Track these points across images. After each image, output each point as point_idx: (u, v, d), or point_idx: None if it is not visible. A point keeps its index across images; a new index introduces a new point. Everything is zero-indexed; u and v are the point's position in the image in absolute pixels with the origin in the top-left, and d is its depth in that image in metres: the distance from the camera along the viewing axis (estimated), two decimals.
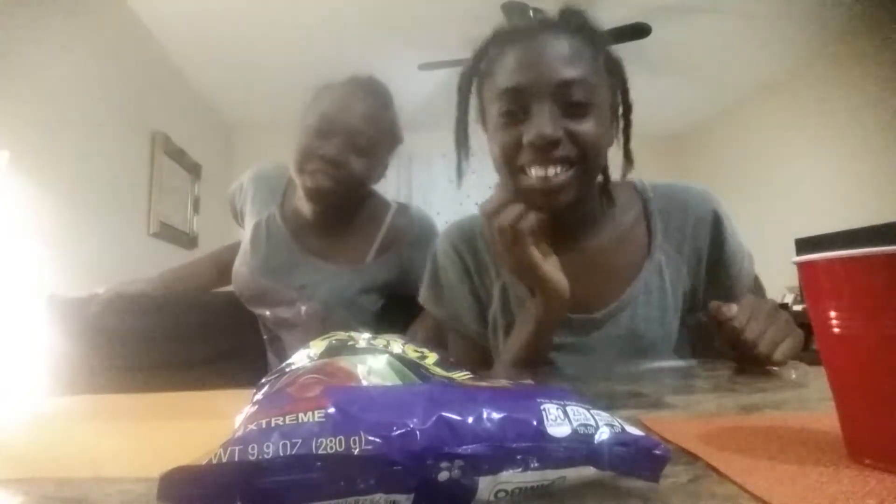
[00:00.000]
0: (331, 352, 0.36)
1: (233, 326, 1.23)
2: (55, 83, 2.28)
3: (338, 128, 1.06)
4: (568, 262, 0.78)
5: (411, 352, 0.38)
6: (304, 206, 1.14)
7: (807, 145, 3.58)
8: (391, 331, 0.45)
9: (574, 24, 0.76)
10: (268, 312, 1.15)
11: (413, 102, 4.18)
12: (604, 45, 0.77)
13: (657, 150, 4.71)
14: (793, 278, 2.92)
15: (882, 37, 3.08)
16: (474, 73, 0.84)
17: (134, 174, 2.99)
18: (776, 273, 0.84)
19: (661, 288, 0.82)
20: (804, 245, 2.72)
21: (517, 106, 0.73)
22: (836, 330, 0.31)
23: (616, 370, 0.79)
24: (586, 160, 0.73)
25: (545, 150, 0.71)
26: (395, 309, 1.16)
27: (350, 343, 0.38)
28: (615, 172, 0.83)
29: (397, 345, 0.39)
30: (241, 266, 1.18)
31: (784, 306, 3.35)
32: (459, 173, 0.90)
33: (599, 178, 0.82)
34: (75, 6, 2.44)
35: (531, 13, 2.85)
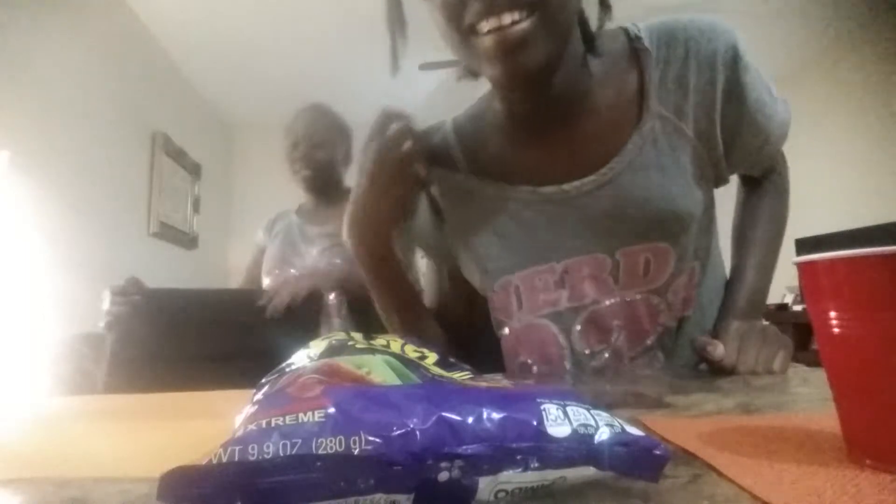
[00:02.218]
0: (331, 352, 0.36)
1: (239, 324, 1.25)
2: (55, 83, 2.28)
3: (300, 139, 1.67)
4: (550, 140, 0.70)
5: (411, 352, 0.38)
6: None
7: (807, 145, 3.58)
8: None
9: None
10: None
11: (413, 102, 4.18)
12: None
13: None
14: (793, 278, 2.91)
15: (883, 37, 3.08)
16: None
17: (134, 174, 2.99)
18: (776, 273, 0.83)
19: (657, 163, 0.68)
20: (804, 245, 2.72)
21: None
22: (836, 330, 0.31)
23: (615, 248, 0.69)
24: (548, 3, 0.58)
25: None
26: None
27: (350, 343, 0.39)
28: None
29: (397, 345, 0.39)
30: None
31: (784, 307, 3.36)
32: (395, 57, 0.78)
33: (578, 36, 0.67)
34: (75, 6, 2.44)
35: None
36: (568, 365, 0.73)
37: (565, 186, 0.70)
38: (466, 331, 0.85)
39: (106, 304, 1.16)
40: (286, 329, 1.24)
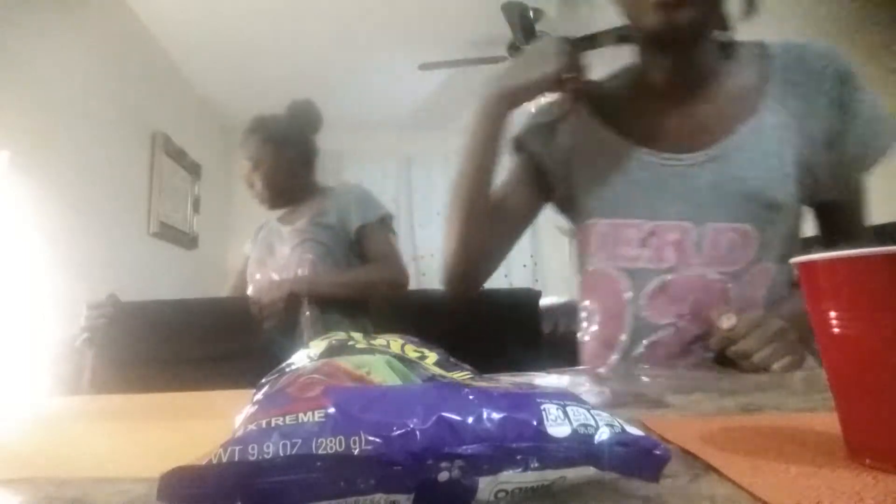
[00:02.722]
0: (331, 352, 0.36)
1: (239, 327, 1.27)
2: (55, 83, 2.28)
3: (250, 164, 1.72)
4: (676, 113, 0.79)
5: (411, 352, 0.38)
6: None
7: None
8: None
9: None
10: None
11: (413, 102, 4.18)
12: None
13: None
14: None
15: (883, 37, 3.08)
16: None
17: (134, 174, 2.99)
18: None
19: (761, 150, 0.75)
20: (805, 245, 2.72)
21: None
22: (836, 330, 0.31)
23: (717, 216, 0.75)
24: None
25: None
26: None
27: (350, 343, 0.38)
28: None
29: (397, 345, 0.39)
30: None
31: None
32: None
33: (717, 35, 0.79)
34: (75, 6, 2.44)
35: (531, 13, 2.85)
36: (626, 332, 0.78)
37: (682, 156, 0.77)
38: (477, 267, 0.90)
39: (82, 321, 1.19)
40: (267, 334, 1.27)
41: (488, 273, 0.91)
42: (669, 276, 0.76)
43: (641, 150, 0.80)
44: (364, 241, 1.60)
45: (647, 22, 0.73)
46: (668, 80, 0.80)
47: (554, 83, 0.80)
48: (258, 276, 1.67)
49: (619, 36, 0.83)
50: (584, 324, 0.85)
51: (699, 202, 0.76)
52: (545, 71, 0.79)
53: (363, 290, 1.55)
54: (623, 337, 0.78)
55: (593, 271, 0.83)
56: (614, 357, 0.81)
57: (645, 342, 0.77)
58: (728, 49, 0.80)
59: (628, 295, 0.78)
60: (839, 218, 0.84)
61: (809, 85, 0.76)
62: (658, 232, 0.77)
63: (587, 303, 0.85)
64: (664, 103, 0.81)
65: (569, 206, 0.89)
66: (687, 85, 0.79)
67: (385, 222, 1.65)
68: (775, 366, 0.66)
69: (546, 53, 0.79)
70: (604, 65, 0.92)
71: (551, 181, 0.89)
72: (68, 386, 1.26)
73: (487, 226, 0.86)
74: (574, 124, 0.88)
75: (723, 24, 0.79)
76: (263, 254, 1.70)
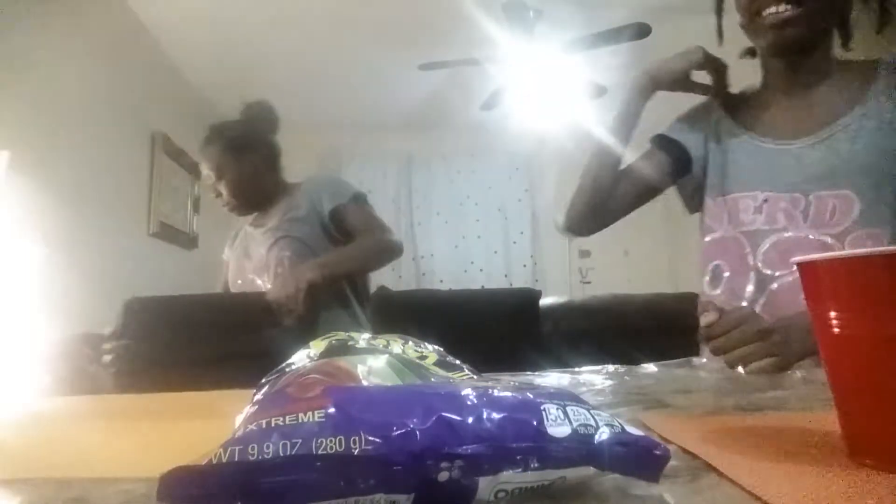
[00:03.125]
0: (331, 352, 0.36)
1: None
2: (55, 83, 2.28)
3: (212, 176, 1.66)
4: (791, 106, 0.93)
5: (411, 352, 0.38)
6: None
7: None
8: None
9: None
10: None
11: (413, 102, 4.18)
12: None
13: None
14: None
15: (884, 37, 3.08)
16: None
17: (134, 174, 2.99)
18: None
19: (869, 131, 0.85)
20: None
21: None
22: (836, 330, 0.31)
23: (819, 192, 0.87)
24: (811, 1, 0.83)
25: None
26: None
27: (350, 343, 0.39)
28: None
29: (397, 345, 0.39)
30: None
31: None
32: (720, 33, 1.04)
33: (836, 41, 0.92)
34: (76, 6, 2.44)
35: (531, 14, 2.85)
36: (752, 283, 0.90)
37: (794, 141, 0.90)
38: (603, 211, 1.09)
39: (105, 356, 1.21)
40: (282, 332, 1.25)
41: (604, 223, 1.10)
42: (782, 235, 0.89)
43: (761, 140, 0.95)
44: (344, 222, 1.56)
45: (762, 40, 0.90)
46: (784, 81, 0.95)
47: (689, 78, 0.99)
48: (240, 282, 1.65)
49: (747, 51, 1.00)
50: (708, 282, 0.99)
51: (808, 176, 0.88)
52: (685, 63, 0.97)
53: (367, 260, 1.54)
54: (749, 288, 0.90)
55: (721, 237, 0.97)
56: (744, 305, 0.90)
57: (767, 292, 0.88)
58: (846, 44, 0.93)
59: (749, 256, 0.91)
60: None
61: None
62: (771, 200, 0.91)
63: (715, 263, 0.97)
64: (781, 98, 0.95)
65: (695, 185, 1.05)
66: (800, 84, 0.93)
67: (359, 199, 1.62)
68: (752, 366, 0.66)
69: (688, 53, 0.98)
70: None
71: (686, 164, 1.05)
72: (68, 386, 1.26)
73: (613, 182, 1.05)
74: (709, 120, 1.04)
75: (843, 36, 0.93)
76: (241, 259, 1.68)
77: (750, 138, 0.96)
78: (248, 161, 1.62)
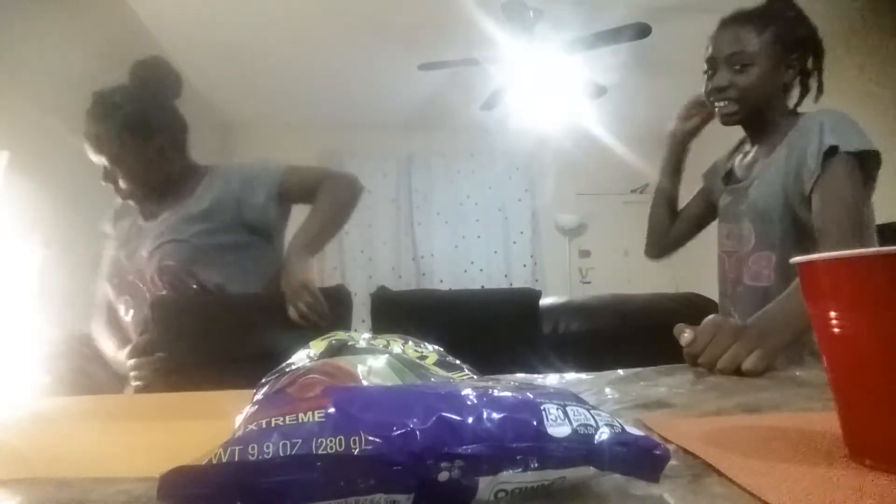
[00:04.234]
0: (331, 352, 0.37)
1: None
2: (55, 83, 2.28)
3: (104, 165, 1.29)
4: (754, 155, 1.15)
5: (411, 352, 0.38)
6: None
7: None
8: None
9: (750, 14, 1.11)
10: None
11: (413, 102, 4.17)
12: (773, 23, 1.09)
13: (659, 149, 4.71)
14: None
15: (883, 37, 3.08)
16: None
17: None
18: None
19: (768, 181, 1.08)
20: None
21: (710, 68, 1.13)
22: (836, 330, 0.31)
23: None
24: (747, 99, 1.08)
25: (719, 93, 1.11)
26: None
27: (350, 343, 0.39)
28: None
29: (397, 345, 0.39)
30: None
31: None
32: None
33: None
34: (76, 6, 2.44)
35: (531, 14, 2.85)
36: (729, 289, 1.16)
37: (743, 182, 1.15)
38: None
39: (131, 371, 1.10)
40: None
41: (672, 249, 1.40)
42: (733, 256, 1.15)
43: (728, 188, 1.21)
44: (290, 191, 1.35)
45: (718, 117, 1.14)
46: (748, 139, 1.20)
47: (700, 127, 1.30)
48: (117, 281, 1.30)
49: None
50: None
51: (744, 210, 1.12)
52: (697, 122, 1.30)
53: (344, 218, 1.34)
54: (728, 293, 1.17)
55: (719, 254, 1.22)
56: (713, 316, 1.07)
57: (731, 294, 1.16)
58: (783, 112, 1.13)
59: (728, 269, 1.17)
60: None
61: (797, 140, 1.05)
62: (731, 230, 1.16)
63: (719, 279, 1.22)
64: (745, 151, 1.20)
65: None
66: (752, 140, 1.18)
67: (292, 168, 1.38)
68: (746, 365, 0.67)
69: (693, 108, 1.29)
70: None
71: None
72: (68, 386, 1.25)
73: (670, 219, 1.37)
74: (724, 165, 1.30)
75: (782, 107, 1.13)
76: (123, 251, 1.33)
77: (723, 187, 1.24)
78: (151, 142, 1.30)
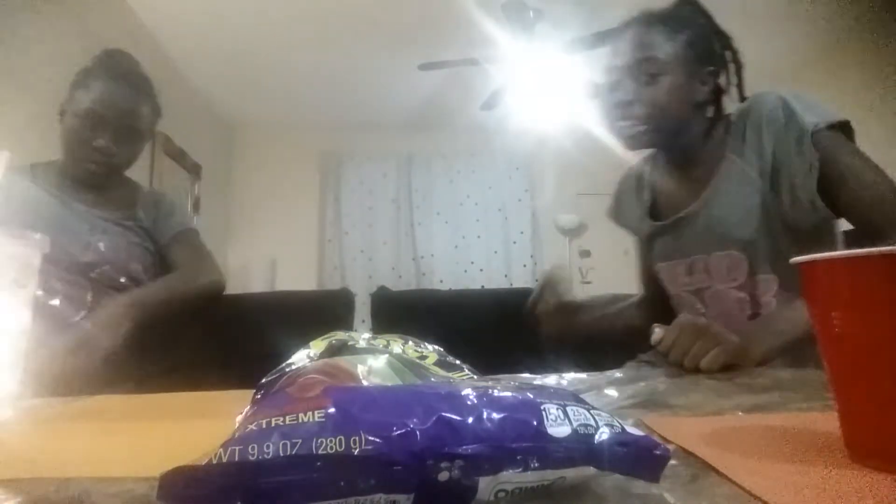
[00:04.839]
0: (331, 352, 0.36)
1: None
2: (55, 83, 2.28)
3: (109, 120, 1.19)
4: (685, 180, 1.01)
5: (411, 352, 0.38)
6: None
7: None
8: None
9: (659, 15, 0.96)
10: None
11: (413, 102, 4.18)
12: (687, 28, 0.95)
13: None
14: None
15: (884, 36, 3.08)
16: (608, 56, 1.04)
17: (134, 174, 2.98)
18: None
19: (735, 192, 0.93)
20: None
21: (614, 78, 0.97)
22: (836, 330, 0.31)
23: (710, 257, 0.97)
24: (656, 117, 0.93)
25: (623, 109, 0.95)
26: None
27: (350, 343, 0.39)
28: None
29: (397, 345, 0.39)
30: None
31: None
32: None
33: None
34: (76, 6, 2.44)
35: (531, 14, 2.85)
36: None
37: (682, 213, 1.01)
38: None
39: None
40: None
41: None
42: (706, 291, 0.99)
43: (657, 223, 1.07)
44: (173, 250, 1.29)
45: (621, 140, 0.99)
46: (667, 165, 1.06)
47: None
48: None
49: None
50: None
51: (702, 241, 0.98)
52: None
53: (188, 295, 1.21)
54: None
55: (676, 296, 1.07)
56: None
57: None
58: (709, 123, 0.98)
59: (699, 306, 1.01)
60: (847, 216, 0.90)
61: (751, 129, 0.92)
62: (693, 264, 1.01)
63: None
64: (669, 179, 1.07)
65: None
66: (679, 163, 1.03)
67: (194, 232, 1.36)
68: (703, 363, 0.69)
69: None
70: None
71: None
72: (67, 386, 1.25)
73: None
74: (625, 209, 1.20)
75: (700, 127, 0.97)
76: (53, 226, 1.14)
77: (650, 224, 1.09)
78: (141, 143, 1.32)
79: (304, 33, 3.24)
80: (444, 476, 0.23)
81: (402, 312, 1.65)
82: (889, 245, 0.28)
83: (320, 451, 0.22)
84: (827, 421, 0.34)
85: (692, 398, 0.53)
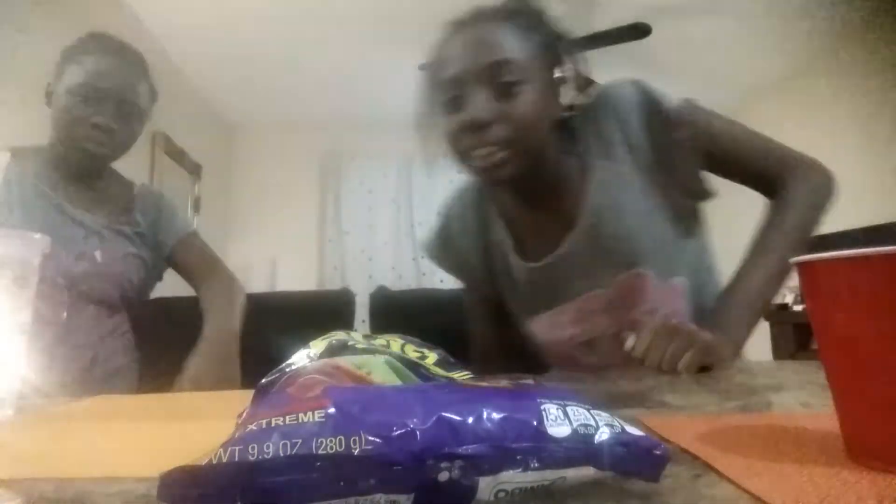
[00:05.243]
0: (331, 352, 0.36)
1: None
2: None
3: (108, 94, 1.09)
4: (551, 210, 0.85)
5: (411, 352, 0.38)
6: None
7: (807, 146, 3.57)
8: None
9: (505, 10, 0.79)
10: None
11: (413, 102, 4.18)
12: (539, 24, 0.80)
13: None
14: (793, 278, 2.89)
15: (884, 36, 3.08)
16: (427, 67, 0.88)
17: (134, 174, 2.98)
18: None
19: (617, 200, 0.81)
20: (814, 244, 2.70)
21: (455, 93, 0.77)
22: (836, 330, 0.31)
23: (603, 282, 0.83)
24: (521, 140, 0.75)
25: (477, 133, 0.75)
26: None
27: (350, 343, 0.38)
28: None
29: (397, 345, 0.39)
30: None
31: (784, 307, 3.36)
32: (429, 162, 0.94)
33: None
34: (76, 6, 2.44)
35: None
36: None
37: (560, 251, 0.84)
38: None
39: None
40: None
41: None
42: (612, 332, 0.84)
43: (527, 265, 0.87)
44: (177, 261, 1.22)
45: (476, 176, 0.84)
46: (522, 200, 0.88)
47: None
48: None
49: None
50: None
51: (595, 272, 0.82)
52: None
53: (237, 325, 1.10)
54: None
55: (557, 353, 0.91)
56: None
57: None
58: (564, 141, 0.84)
59: (595, 359, 0.87)
60: (738, 177, 0.85)
61: (605, 127, 0.81)
62: (582, 307, 0.85)
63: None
64: (528, 209, 0.88)
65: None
66: (541, 193, 0.85)
67: (196, 235, 1.30)
68: (679, 365, 0.67)
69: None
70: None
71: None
72: (66, 386, 1.25)
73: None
74: (469, 258, 1.02)
75: (558, 153, 0.83)
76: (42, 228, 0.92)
77: (522, 265, 0.89)
78: (140, 124, 1.24)
79: (305, 33, 3.24)
80: (443, 476, 0.23)
81: (402, 312, 1.65)
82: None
83: (320, 451, 0.22)
84: (827, 421, 0.34)
85: (692, 398, 0.53)
